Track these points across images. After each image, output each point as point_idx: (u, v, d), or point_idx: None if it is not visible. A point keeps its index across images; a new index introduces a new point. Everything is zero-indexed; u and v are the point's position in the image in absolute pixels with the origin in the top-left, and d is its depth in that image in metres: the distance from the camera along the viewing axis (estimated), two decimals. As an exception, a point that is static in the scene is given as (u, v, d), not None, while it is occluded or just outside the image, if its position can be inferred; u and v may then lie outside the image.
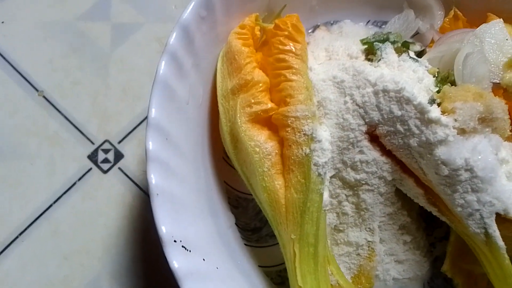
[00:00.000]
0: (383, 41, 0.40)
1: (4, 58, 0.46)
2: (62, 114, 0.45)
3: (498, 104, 0.34)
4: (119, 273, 0.41)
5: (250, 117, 0.35)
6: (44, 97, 0.45)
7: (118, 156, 0.44)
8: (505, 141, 0.36)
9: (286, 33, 0.36)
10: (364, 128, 0.35)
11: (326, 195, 0.35)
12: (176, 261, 0.30)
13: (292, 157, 0.34)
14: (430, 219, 0.41)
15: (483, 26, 0.39)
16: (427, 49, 0.43)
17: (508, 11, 0.42)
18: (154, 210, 0.30)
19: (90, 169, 0.44)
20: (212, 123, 0.40)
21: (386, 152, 0.36)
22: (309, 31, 0.47)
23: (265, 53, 0.38)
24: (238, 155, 0.37)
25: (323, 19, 0.47)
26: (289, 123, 0.34)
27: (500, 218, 0.34)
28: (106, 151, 0.44)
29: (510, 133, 0.35)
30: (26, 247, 0.42)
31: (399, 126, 0.34)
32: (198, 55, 0.37)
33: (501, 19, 0.39)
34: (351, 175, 0.36)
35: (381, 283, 0.39)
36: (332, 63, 0.38)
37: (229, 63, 0.37)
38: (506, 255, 0.33)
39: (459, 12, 0.44)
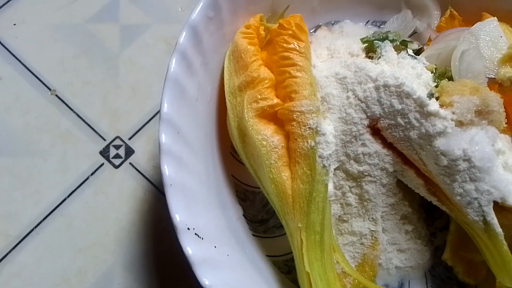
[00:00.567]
0: (382, 39, 0.41)
1: (16, 58, 0.48)
2: (74, 112, 0.47)
3: (494, 98, 0.35)
4: (131, 265, 0.43)
5: (257, 112, 0.37)
6: (56, 95, 0.47)
7: (129, 152, 0.46)
8: (501, 133, 0.37)
9: (290, 32, 0.38)
10: (366, 122, 0.37)
11: (330, 186, 0.36)
12: (190, 247, 0.31)
13: (298, 150, 0.35)
14: (430, 210, 0.42)
15: (478, 24, 0.40)
16: (425, 47, 0.44)
17: (502, 10, 0.43)
18: (168, 200, 0.32)
19: (102, 164, 0.45)
20: (219, 119, 0.41)
21: (387, 144, 0.38)
22: (311, 31, 0.48)
23: (269, 52, 0.40)
24: (246, 148, 0.38)
25: (324, 20, 0.49)
26: (295, 118, 0.35)
27: (498, 207, 0.35)
28: (117, 147, 0.46)
29: (505, 126, 0.37)
30: (40, 240, 0.43)
31: (399, 119, 0.36)
32: (206, 54, 0.38)
33: (495, 18, 0.41)
34: (354, 167, 0.38)
35: (384, 271, 0.41)
36: (334, 61, 0.40)
37: (236, 61, 0.39)
38: (504, 242, 0.35)
39: (455, 12, 0.45)
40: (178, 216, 0.32)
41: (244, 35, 0.40)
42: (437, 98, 0.36)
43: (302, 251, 0.35)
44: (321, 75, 0.38)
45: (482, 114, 0.35)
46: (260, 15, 0.42)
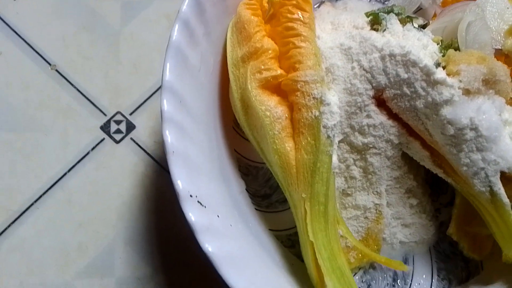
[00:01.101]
0: (387, 12, 0.41)
1: (17, 34, 0.47)
2: (75, 87, 0.46)
3: (501, 67, 0.35)
4: (132, 240, 0.42)
5: (260, 83, 0.36)
6: (56, 70, 0.46)
7: (130, 127, 0.45)
8: (507, 104, 0.37)
9: (294, 2, 0.37)
10: (371, 93, 0.37)
11: (335, 158, 0.36)
12: (193, 214, 0.30)
13: (302, 120, 0.35)
14: (435, 185, 0.42)
15: (484, -5, 0.40)
16: (430, 22, 0.44)
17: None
18: (170, 167, 0.31)
19: (103, 139, 0.45)
20: (222, 93, 0.41)
21: (393, 115, 0.37)
22: (315, 6, 0.48)
23: (273, 25, 0.39)
24: (249, 120, 0.37)
25: (328, -5, 0.48)
26: (299, 88, 0.35)
27: (505, 179, 0.35)
28: (118, 122, 0.45)
29: (512, 97, 0.37)
30: (41, 214, 0.42)
31: (405, 89, 0.35)
32: (209, 24, 0.38)
33: (502, -12, 0.41)
34: (358, 139, 0.37)
35: (388, 246, 0.40)
36: (339, 32, 0.39)
37: (239, 32, 0.38)
38: (511, 212, 0.34)
39: (460, -15, 0.45)
40: (180, 182, 0.31)
41: (248, 6, 0.39)
42: (443, 67, 0.35)
43: (306, 221, 0.34)
44: (326, 46, 0.38)
45: (489, 83, 0.35)
46: (264, -13, 0.41)
